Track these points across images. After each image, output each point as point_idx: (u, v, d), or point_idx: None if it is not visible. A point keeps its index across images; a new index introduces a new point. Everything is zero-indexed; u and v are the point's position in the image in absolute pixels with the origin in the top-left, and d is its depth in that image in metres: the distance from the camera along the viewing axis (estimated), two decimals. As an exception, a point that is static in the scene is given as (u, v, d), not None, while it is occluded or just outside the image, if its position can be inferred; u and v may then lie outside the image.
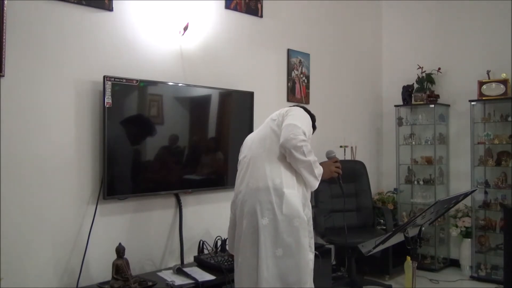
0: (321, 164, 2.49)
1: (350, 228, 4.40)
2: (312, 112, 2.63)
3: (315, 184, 2.43)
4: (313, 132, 2.61)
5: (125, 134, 3.06)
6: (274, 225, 2.29)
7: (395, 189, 5.26)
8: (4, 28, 2.53)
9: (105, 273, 2.87)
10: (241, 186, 2.47)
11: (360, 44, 5.33)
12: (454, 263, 4.97)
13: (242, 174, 2.50)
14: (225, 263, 3.09)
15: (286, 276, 2.29)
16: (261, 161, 2.42)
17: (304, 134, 2.35)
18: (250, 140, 2.61)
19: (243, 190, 2.45)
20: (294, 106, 2.61)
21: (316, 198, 4.45)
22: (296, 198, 2.35)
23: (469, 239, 4.72)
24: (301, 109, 2.55)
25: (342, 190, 2.72)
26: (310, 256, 2.41)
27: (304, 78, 4.53)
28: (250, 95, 3.80)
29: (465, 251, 4.77)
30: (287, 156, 2.36)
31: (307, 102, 4.50)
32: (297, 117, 2.42)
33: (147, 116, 3.18)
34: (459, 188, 4.94)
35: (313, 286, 2.41)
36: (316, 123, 2.65)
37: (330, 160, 2.66)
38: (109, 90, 2.89)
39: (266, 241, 2.29)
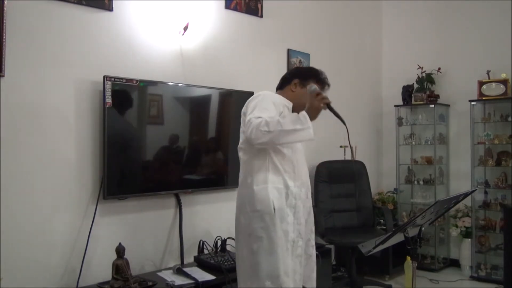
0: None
1: (350, 228, 4.41)
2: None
3: (306, 134, 2.18)
4: (323, 87, 2.48)
5: (125, 134, 3.06)
6: (249, 222, 2.33)
7: (395, 189, 5.26)
8: (4, 28, 2.53)
9: (105, 273, 2.87)
10: None
11: (360, 44, 5.32)
12: (454, 263, 4.96)
13: None
14: (225, 263, 3.10)
15: (258, 270, 2.30)
16: (241, 161, 2.45)
17: (255, 115, 2.20)
18: None
19: None
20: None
21: (316, 198, 4.45)
22: (268, 192, 2.30)
23: (469, 239, 4.72)
24: (257, 97, 2.35)
25: (340, 118, 2.37)
26: (287, 250, 2.30)
27: (304, 78, 4.52)
28: (250, 95, 3.78)
29: (465, 251, 4.76)
30: (267, 148, 2.30)
31: (307, 102, 4.50)
32: (249, 110, 2.30)
33: (146, 115, 3.18)
34: (459, 188, 4.94)
35: (290, 285, 2.29)
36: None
37: (311, 96, 2.33)
38: (109, 90, 2.89)
39: (244, 235, 2.37)
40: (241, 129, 2.44)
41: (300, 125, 2.16)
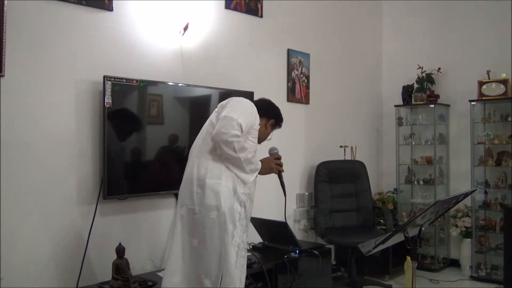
0: (262, 160, 2.49)
1: (350, 228, 4.41)
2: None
3: (247, 178, 2.38)
4: (276, 126, 2.64)
5: (125, 133, 3.06)
6: (192, 216, 2.33)
7: (395, 189, 5.26)
8: (4, 28, 2.53)
9: (105, 273, 2.88)
10: None
11: (360, 44, 5.32)
12: (454, 263, 4.96)
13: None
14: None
15: (198, 267, 2.31)
16: (194, 153, 2.44)
17: (240, 127, 2.28)
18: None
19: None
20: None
21: (316, 198, 4.46)
22: (221, 189, 2.30)
23: (469, 239, 4.72)
24: (244, 99, 2.47)
25: (283, 188, 2.61)
26: (231, 251, 2.30)
27: (304, 78, 4.53)
28: (250, 95, 3.79)
29: (465, 251, 4.76)
30: (217, 150, 2.32)
31: (307, 102, 4.50)
32: (235, 108, 2.34)
33: (146, 115, 3.18)
34: (459, 188, 4.94)
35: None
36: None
37: (271, 156, 2.60)
38: (109, 90, 2.89)
39: (184, 230, 2.35)
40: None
41: (249, 169, 2.37)
